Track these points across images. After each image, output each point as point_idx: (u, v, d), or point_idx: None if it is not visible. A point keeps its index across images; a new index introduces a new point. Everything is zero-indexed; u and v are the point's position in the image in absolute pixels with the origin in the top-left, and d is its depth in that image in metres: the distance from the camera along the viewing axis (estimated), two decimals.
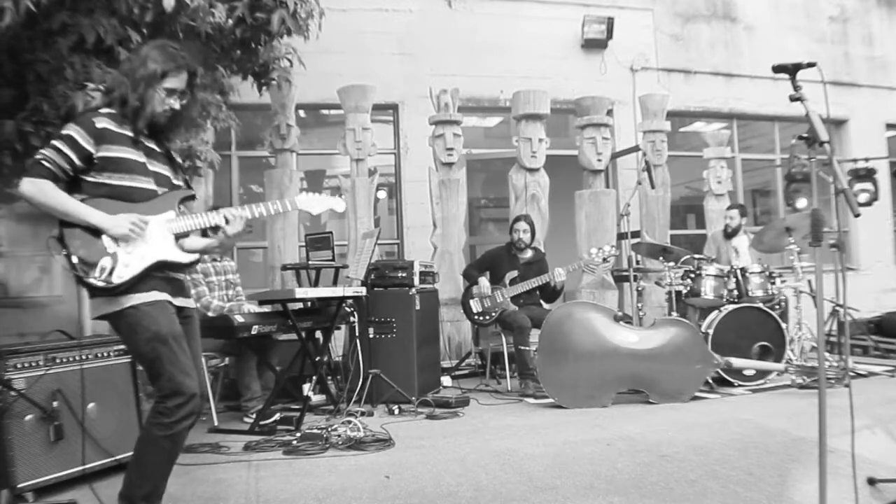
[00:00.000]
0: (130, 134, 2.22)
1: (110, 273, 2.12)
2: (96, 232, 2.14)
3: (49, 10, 3.17)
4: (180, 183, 2.40)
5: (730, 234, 6.19)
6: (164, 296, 2.21)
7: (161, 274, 2.23)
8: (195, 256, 2.36)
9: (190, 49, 2.52)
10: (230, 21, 3.72)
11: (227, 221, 2.34)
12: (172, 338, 2.14)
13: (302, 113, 7.37)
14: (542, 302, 5.41)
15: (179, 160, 2.48)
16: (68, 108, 3.32)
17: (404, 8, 7.63)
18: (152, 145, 2.31)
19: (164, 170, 2.34)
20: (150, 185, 2.25)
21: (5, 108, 3.58)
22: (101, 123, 2.16)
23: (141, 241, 2.18)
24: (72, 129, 2.14)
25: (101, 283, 2.11)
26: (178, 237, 2.30)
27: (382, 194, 8.20)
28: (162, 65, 2.21)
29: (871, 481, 2.55)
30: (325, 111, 7.99)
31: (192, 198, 2.43)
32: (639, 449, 3.26)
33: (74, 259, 2.11)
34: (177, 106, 2.26)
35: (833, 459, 2.51)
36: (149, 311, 2.14)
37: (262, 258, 7.47)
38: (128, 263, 2.15)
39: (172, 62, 2.23)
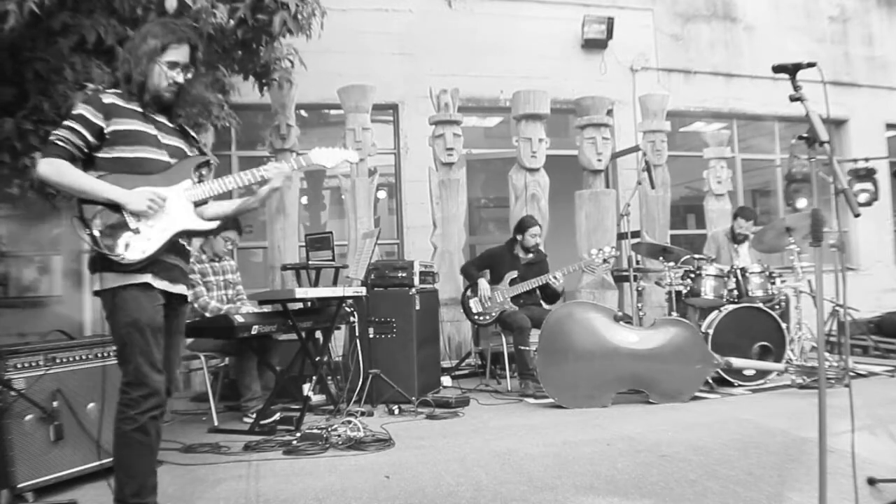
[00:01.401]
0: (139, 109, 2.23)
1: (134, 248, 2.14)
2: (116, 208, 2.15)
3: (51, 10, 3.18)
4: (195, 153, 2.41)
5: (741, 240, 6.09)
6: (162, 284, 2.22)
7: (167, 258, 2.24)
8: (216, 224, 2.39)
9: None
10: (231, 22, 3.72)
11: (264, 179, 2.39)
12: (150, 329, 2.15)
13: (302, 113, 7.37)
14: (542, 302, 5.41)
15: (193, 134, 2.48)
16: (68, 107, 3.33)
17: (404, 8, 7.63)
18: (163, 120, 2.32)
19: (177, 142, 2.35)
20: (163, 156, 2.27)
21: (5, 107, 3.58)
22: (109, 99, 2.19)
23: (161, 213, 2.20)
24: (81, 108, 2.17)
25: (126, 260, 2.12)
26: (197, 205, 2.33)
27: (382, 194, 8.20)
28: (162, 38, 2.23)
29: (871, 481, 2.55)
30: (325, 111, 7.99)
31: (208, 164, 2.44)
32: (639, 449, 3.25)
33: (97, 236, 2.12)
34: (180, 79, 2.27)
35: (833, 459, 2.51)
36: (138, 296, 2.15)
37: (262, 258, 7.47)
38: (150, 237, 2.18)
39: (172, 35, 2.25)
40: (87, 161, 2.18)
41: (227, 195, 2.42)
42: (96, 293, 2.20)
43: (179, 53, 2.25)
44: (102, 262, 2.14)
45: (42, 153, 2.14)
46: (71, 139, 2.12)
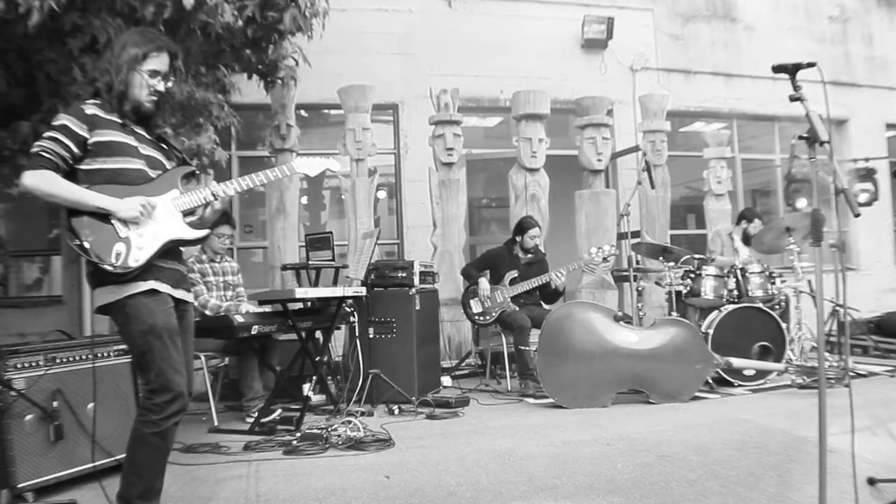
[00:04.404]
0: (119, 120, 2.23)
1: (126, 257, 2.13)
2: (105, 217, 2.14)
3: (61, 10, 3.18)
4: (173, 166, 2.41)
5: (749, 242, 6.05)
6: (165, 287, 2.22)
7: (164, 264, 2.24)
8: (205, 232, 2.38)
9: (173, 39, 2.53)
10: (240, 21, 3.72)
11: (215, 198, 2.37)
12: (167, 333, 2.15)
13: (302, 112, 7.37)
14: (542, 302, 5.41)
15: (175, 145, 2.49)
16: None
17: (404, 8, 7.63)
18: (141, 131, 2.32)
19: (156, 154, 2.35)
20: (143, 166, 2.27)
21: (17, 111, 3.59)
22: (91, 110, 2.19)
23: (151, 221, 2.20)
24: (64, 119, 2.15)
25: (119, 270, 2.11)
26: (185, 214, 2.32)
27: (382, 194, 8.20)
28: (142, 47, 2.23)
29: (871, 481, 2.55)
30: (325, 111, 7.99)
31: (194, 174, 2.45)
32: (639, 449, 3.25)
33: (88, 246, 2.11)
34: (161, 88, 2.29)
35: (833, 459, 2.52)
36: (147, 302, 2.14)
37: (262, 258, 7.47)
38: (141, 246, 2.17)
39: (152, 43, 2.26)
40: (68, 174, 2.16)
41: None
42: (102, 309, 2.17)
43: (159, 62, 2.26)
44: (102, 276, 2.13)
45: (27, 165, 2.11)
46: (55, 150, 2.10)
